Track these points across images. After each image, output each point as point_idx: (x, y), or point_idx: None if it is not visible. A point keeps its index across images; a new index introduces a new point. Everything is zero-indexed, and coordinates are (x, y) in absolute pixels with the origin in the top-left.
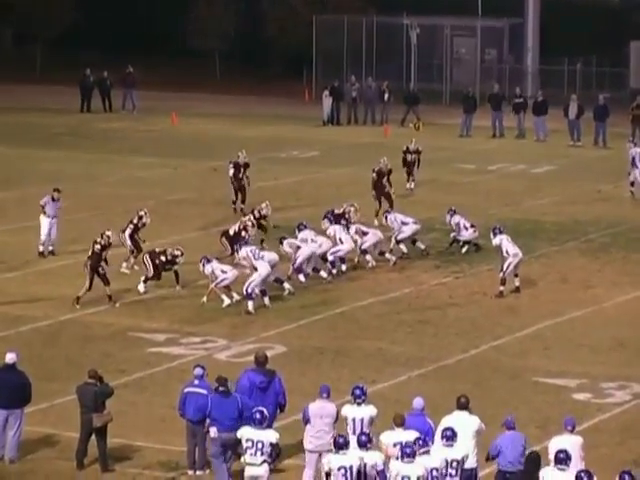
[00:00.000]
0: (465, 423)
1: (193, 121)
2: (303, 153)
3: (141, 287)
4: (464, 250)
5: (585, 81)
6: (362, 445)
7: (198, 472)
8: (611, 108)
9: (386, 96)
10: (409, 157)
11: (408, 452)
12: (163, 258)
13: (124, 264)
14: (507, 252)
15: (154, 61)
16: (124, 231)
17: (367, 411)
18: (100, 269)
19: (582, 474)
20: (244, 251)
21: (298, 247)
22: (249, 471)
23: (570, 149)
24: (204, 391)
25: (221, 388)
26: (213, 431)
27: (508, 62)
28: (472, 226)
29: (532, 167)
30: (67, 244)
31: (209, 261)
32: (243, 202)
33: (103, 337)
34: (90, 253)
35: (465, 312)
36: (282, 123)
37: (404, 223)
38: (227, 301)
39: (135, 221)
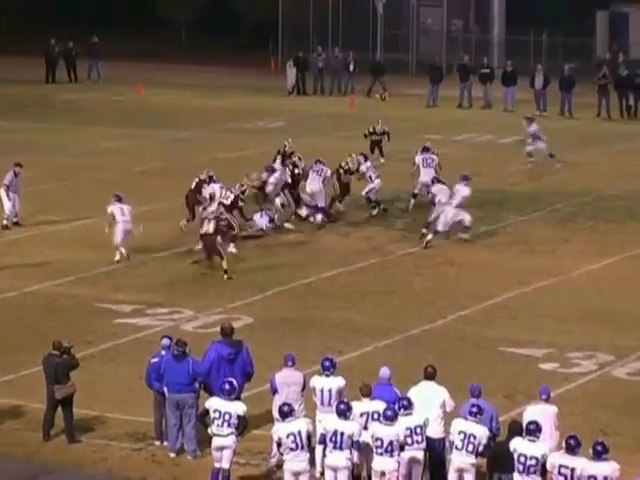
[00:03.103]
0: (432, 393)
1: (159, 91)
2: (269, 123)
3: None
4: (374, 212)
5: (551, 51)
6: (341, 414)
7: (188, 457)
8: (577, 78)
9: (352, 66)
10: (375, 138)
11: (389, 415)
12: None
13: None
14: (439, 201)
15: (119, 31)
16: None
17: (335, 382)
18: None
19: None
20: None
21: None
22: (216, 442)
23: (536, 119)
24: None
25: (176, 351)
26: (165, 390)
27: (474, 32)
28: (378, 177)
29: (499, 137)
30: (33, 215)
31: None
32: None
33: (69, 308)
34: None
35: (431, 282)
36: (248, 93)
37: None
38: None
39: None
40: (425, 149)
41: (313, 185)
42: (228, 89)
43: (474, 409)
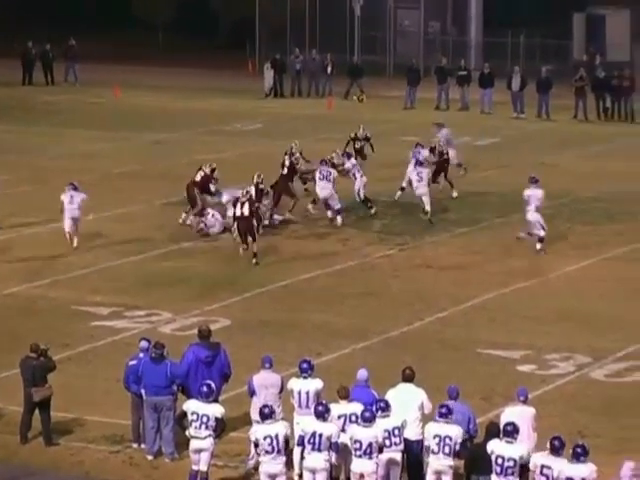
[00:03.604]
0: (410, 395)
1: (136, 94)
2: (247, 126)
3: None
4: (372, 212)
5: (528, 53)
6: (319, 416)
7: (166, 459)
8: (554, 80)
9: (329, 68)
10: (358, 144)
11: (367, 416)
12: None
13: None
14: (354, 175)
15: (96, 33)
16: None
17: (313, 384)
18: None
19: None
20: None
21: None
22: (193, 444)
23: (513, 121)
24: None
25: (154, 354)
26: (143, 393)
27: (451, 34)
28: (362, 175)
29: (476, 139)
30: (9, 217)
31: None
32: None
33: (47, 311)
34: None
35: (409, 284)
36: (226, 96)
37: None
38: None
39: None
40: (417, 145)
41: (325, 192)
42: (205, 91)
43: (443, 410)
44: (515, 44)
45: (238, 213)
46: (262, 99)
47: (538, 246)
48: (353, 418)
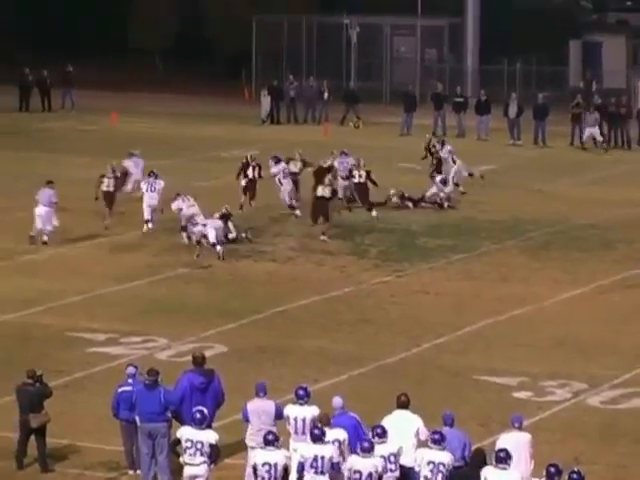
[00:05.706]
0: (406, 422)
1: (133, 120)
2: (244, 152)
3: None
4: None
5: (525, 80)
6: (317, 439)
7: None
8: (551, 107)
9: (326, 95)
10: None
11: (366, 447)
12: None
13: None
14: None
15: (94, 60)
16: None
17: (310, 411)
18: None
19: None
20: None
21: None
22: (188, 471)
23: (510, 148)
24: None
25: (147, 381)
26: (137, 420)
27: (448, 61)
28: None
29: (471, 166)
30: (8, 244)
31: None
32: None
33: (41, 338)
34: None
35: (407, 311)
36: (223, 122)
37: None
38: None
39: None
40: (343, 154)
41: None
42: (202, 118)
43: (436, 437)
44: (511, 71)
45: (319, 194)
46: (259, 125)
47: None
48: (336, 444)
